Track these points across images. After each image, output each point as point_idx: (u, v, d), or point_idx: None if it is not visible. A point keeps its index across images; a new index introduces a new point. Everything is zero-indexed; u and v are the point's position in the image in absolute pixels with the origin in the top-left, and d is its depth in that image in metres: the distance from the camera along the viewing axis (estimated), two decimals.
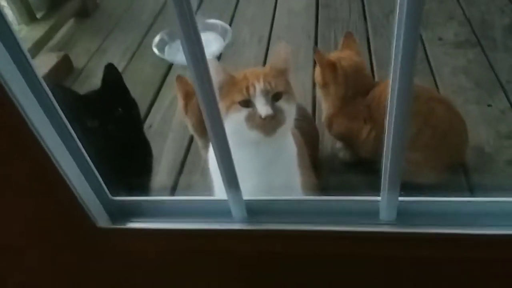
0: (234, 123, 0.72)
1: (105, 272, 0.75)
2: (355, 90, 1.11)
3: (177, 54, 1.80)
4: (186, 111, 1.12)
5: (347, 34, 1.18)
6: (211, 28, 1.86)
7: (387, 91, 1.03)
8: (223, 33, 1.85)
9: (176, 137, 1.42)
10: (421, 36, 1.69)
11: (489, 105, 1.35)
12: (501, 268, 0.68)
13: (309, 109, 1.42)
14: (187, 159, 1.34)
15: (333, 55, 1.14)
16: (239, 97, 0.71)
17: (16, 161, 0.61)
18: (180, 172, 1.30)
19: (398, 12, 0.43)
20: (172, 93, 1.62)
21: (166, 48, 1.83)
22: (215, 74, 0.71)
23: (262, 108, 0.70)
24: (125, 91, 0.92)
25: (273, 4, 2.04)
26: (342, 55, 1.13)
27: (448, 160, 1.07)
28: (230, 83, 0.73)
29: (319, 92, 1.20)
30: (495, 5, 1.83)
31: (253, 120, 0.71)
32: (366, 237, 0.64)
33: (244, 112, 0.72)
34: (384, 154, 0.57)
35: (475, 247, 0.64)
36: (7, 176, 0.62)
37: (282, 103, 0.72)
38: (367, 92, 1.11)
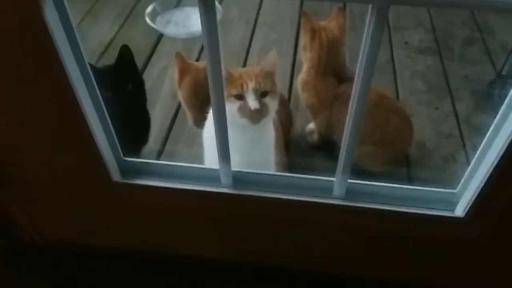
0: (228, 111, 0.88)
1: (114, 218, 0.92)
2: (328, 63, 1.23)
3: (167, 26, 1.91)
4: (180, 85, 1.27)
5: (339, 9, 1.27)
6: None
7: None
8: None
9: (164, 106, 1.56)
10: (390, 39, 1.90)
11: (436, 108, 1.58)
12: (418, 239, 0.91)
13: (285, 93, 1.60)
14: (173, 127, 1.49)
15: (319, 24, 1.24)
16: (234, 92, 0.88)
17: (56, 115, 0.74)
18: (166, 139, 1.45)
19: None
20: (162, 64, 1.75)
21: (158, 19, 1.93)
22: None
23: (252, 102, 0.88)
24: (136, 70, 1.05)
25: None
26: (327, 26, 1.24)
27: (393, 155, 1.30)
28: (229, 79, 0.89)
29: (301, 55, 1.32)
30: (459, 18, 2.05)
31: (244, 111, 0.89)
32: (321, 207, 0.85)
33: (237, 103, 0.89)
34: (341, 146, 0.77)
35: (401, 221, 0.86)
36: (47, 128, 0.77)
37: (267, 100, 0.91)
38: (341, 75, 1.25)
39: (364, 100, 0.67)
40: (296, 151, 1.42)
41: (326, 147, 1.40)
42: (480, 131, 1.48)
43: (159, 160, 1.38)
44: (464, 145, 1.44)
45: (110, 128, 0.81)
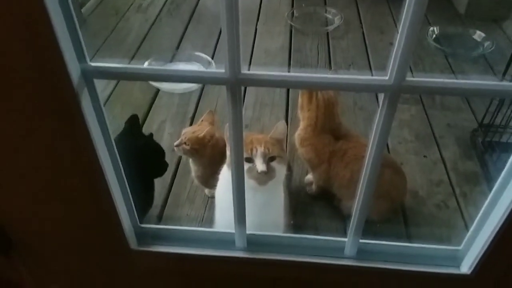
0: None
1: (127, 285, 0.92)
2: (325, 122, 1.32)
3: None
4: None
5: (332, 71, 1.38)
6: (197, 59, 2.07)
7: (354, 151, 1.30)
8: (207, 65, 2.05)
9: None
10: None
11: (424, 156, 1.67)
12: None
13: None
14: (172, 186, 1.51)
15: None
16: (245, 155, 0.94)
17: (78, 183, 0.76)
18: (168, 193, 1.47)
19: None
20: (160, 118, 1.80)
21: None
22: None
23: (259, 165, 0.95)
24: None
25: (251, 43, 2.28)
26: None
27: (389, 205, 1.36)
28: None
29: (299, 113, 1.41)
30: (437, 68, 2.19)
31: (252, 173, 0.96)
32: (333, 268, 0.88)
33: (246, 165, 0.95)
34: (354, 209, 0.81)
35: (409, 279, 0.89)
36: (67, 197, 0.78)
37: (274, 164, 0.98)
38: (336, 132, 1.34)
39: (376, 169, 0.72)
40: (296, 201, 1.46)
41: (325, 197, 1.45)
42: (467, 177, 1.56)
43: (161, 216, 1.40)
44: (454, 192, 1.51)
45: (129, 196, 0.83)
